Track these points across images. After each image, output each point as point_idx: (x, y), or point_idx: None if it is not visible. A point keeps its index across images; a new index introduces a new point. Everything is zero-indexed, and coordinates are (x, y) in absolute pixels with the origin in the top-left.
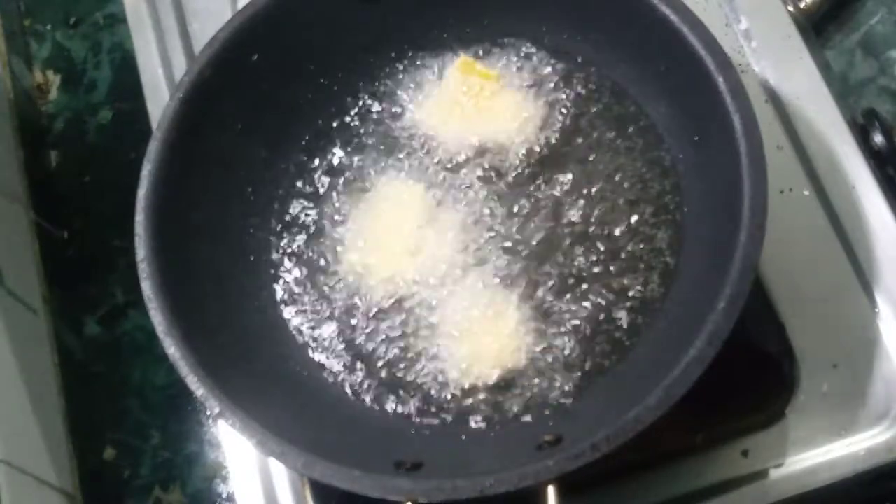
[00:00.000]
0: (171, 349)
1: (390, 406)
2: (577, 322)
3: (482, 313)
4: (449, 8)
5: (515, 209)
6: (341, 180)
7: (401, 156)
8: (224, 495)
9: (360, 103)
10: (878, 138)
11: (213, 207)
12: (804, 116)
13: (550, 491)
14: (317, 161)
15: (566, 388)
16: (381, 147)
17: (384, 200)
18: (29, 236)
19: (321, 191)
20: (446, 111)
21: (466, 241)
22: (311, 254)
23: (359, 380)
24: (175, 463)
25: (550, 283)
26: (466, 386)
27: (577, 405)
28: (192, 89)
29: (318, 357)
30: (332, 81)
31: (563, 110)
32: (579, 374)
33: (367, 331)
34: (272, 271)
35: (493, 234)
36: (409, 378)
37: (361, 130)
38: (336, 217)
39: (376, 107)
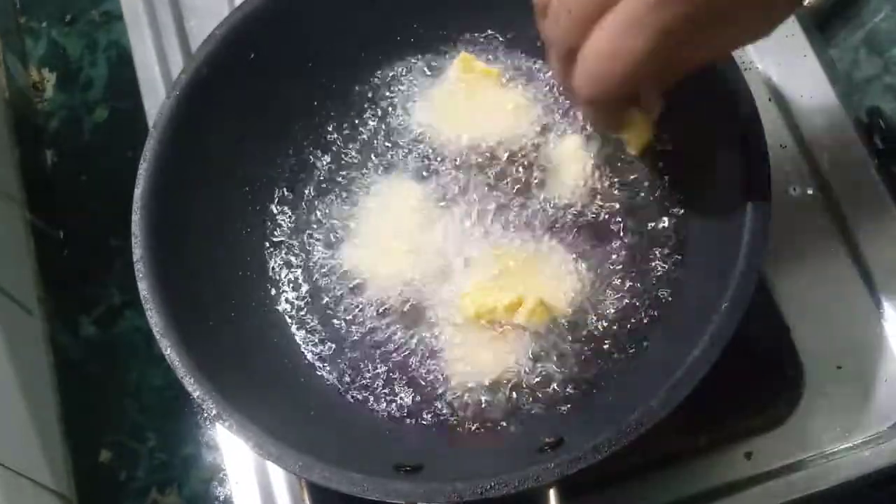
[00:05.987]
0: (168, 350)
1: (390, 407)
2: (579, 324)
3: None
4: (449, 5)
5: (516, 207)
6: (340, 180)
7: (400, 154)
8: (221, 498)
9: (359, 101)
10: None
11: (210, 207)
12: (808, 115)
13: (552, 494)
14: (315, 160)
15: (568, 389)
16: (381, 145)
17: (383, 199)
18: (24, 236)
19: (319, 190)
20: (447, 108)
21: (466, 240)
22: (309, 253)
23: (358, 380)
24: (172, 465)
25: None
26: (467, 387)
27: (579, 407)
28: (188, 87)
29: (317, 358)
30: (331, 79)
31: (564, 108)
32: (581, 375)
33: (366, 331)
34: (270, 271)
35: (493, 232)
36: (409, 379)
37: (360, 129)
38: (334, 217)
39: (375, 105)
